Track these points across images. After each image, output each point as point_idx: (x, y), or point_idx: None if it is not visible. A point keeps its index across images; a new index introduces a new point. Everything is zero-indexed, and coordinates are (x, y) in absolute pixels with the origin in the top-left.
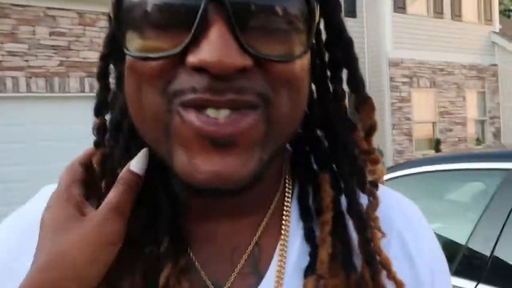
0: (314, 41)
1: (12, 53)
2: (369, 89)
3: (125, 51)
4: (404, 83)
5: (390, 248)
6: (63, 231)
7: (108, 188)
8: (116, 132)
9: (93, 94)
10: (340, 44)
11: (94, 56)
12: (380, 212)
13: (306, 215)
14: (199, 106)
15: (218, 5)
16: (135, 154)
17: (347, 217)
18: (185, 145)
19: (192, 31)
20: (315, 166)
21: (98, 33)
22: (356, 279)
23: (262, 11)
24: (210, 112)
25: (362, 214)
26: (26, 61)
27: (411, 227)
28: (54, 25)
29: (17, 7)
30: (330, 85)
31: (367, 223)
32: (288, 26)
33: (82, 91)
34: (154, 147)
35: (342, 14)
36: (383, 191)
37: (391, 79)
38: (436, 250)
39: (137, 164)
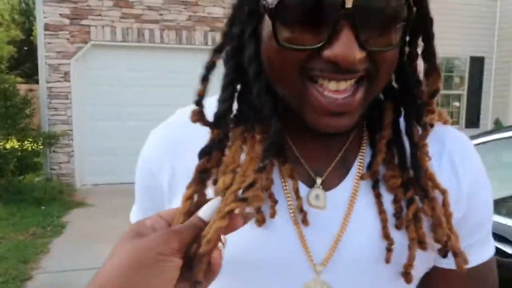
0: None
1: (150, 8)
2: (496, 55)
3: (275, 40)
4: None
5: (441, 164)
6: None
7: (220, 140)
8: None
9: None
10: (423, 22)
11: (218, 12)
12: (435, 136)
13: (372, 134)
14: (325, 78)
15: (347, 21)
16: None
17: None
18: (313, 110)
19: (329, 32)
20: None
21: None
22: (408, 178)
23: (376, 20)
24: (333, 85)
25: (414, 136)
26: (161, 15)
27: (460, 151)
28: None
29: None
30: (407, 48)
31: (418, 144)
32: (391, 28)
33: (206, 44)
34: (286, 99)
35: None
36: (442, 127)
37: None
38: (479, 171)
39: (205, 212)
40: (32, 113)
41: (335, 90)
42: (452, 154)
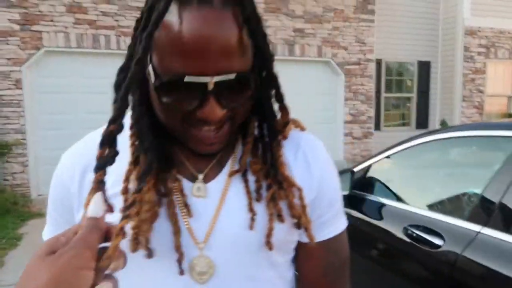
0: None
1: (105, 14)
2: (441, 59)
3: (161, 100)
4: (479, 53)
5: (297, 159)
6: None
7: (112, 156)
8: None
9: None
10: (270, 79)
11: None
12: (292, 141)
13: (244, 143)
14: (198, 125)
15: (213, 95)
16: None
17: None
18: (195, 143)
19: (199, 101)
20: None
21: None
22: (267, 168)
23: (232, 92)
24: (206, 128)
25: (272, 147)
26: (117, 21)
27: (311, 149)
28: None
29: None
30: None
31: (273, 146)
32: (242, 91)
33: None
34: (173, 134)
35: (274, 67)
36: (299, 133)
37: (466, 48)
38: (326, 164)
39: (93, 210)
40: None
41: (207, 132)
42: (305, 152)
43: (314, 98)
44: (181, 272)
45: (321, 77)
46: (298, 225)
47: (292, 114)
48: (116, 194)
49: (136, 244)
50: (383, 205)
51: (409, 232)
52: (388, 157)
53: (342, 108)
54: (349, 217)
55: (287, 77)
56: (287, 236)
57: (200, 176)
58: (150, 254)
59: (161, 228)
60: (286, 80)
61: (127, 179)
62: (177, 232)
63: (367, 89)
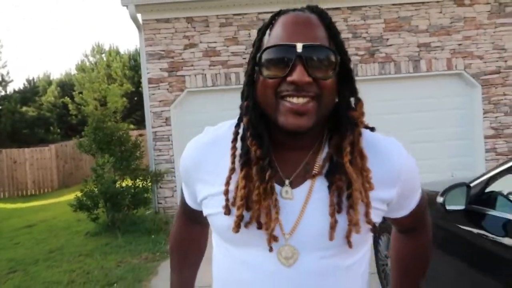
0: (337, 70)
1: (234, 54)
2: None
3: (261, 76)
4: None
5: (375, 164)
6: None
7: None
8: (254, 106)
9: None
10: (348, 78)
11: None
12: (373, 142)
13: (331, 150)
14: (290, 96)
15: (300, 61)
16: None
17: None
18: (283, 114)
19: (289, 68)
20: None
21: None
22: (348, 181)
23: (317, 61)
24: (295, 99)
25: (355, 145)
26: (245, 59)
27: (392, 158)
28: None
29: (237, 16)
30: (342, 92)
31: (355, 135)
32: (327, 65)
33: None
34: (267, 113)
35: (351, 63)
36: (379, 136)
37: None
38: (409, 169)
39: None
40: (142, 155)
41: (296, 103)
42: (381, 151)
43: (445, 113)
44: (270, 249)
45: (453, 91)
46: (373, 230)
47: (422, 132)
48: (219, 193)
49: (238, 227)
50: (509, 221)
51: None
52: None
53: (481, 122)
54: (467, 233)
55: (413, 94)
56: (362, 236)
57: (287, 181)
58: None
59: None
60: (412, 98)
61: (228, 183)
62: (269, 222)
63: (511, 99)
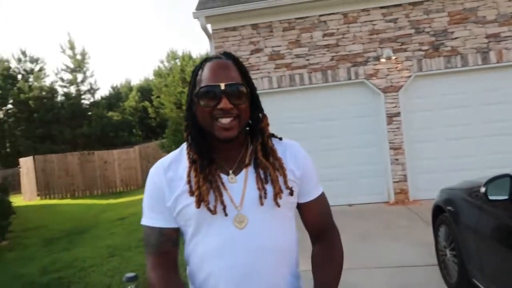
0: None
1: (298, 56)
2: None
3: (199, 105)
4: None
5: (286, 155)
6: None
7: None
8: (194, 127)
9: (358, 80)
10: (256, 101)
11: (357, 48)
12: (284, 143)
13: (252, 148)
14: (220, 117)
15: (224, 94)
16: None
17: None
18: (217, 130)
19: (218, 100)
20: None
21: (360, 28)
22: (271, 163)
23: (235, 93)
24: (223, 120)
25: (266, 144)
26: (307, 60)
27: (295, 150)
28: (325, 28)
29: (299, 20)
30: (253, 111)
31: (270, 147)
32: (241, 95)
33: (349, 78)
34: (206, 129)
35: (257, 92)
36: (286, 141)
37: None
38: (305, 157)
39: None
40: None
41: (224, 122)
42: (290, 150)
43: None
44: (226, 215)
45: None
46: (291, 193)
47: (495, 125)
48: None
49: (199, 203)
50: None
51: None
52: None
53: None
54: None
55: (483, 87)
56: (286, 199)
57: (230, 171)
58: (212, 211)
59: (212, 199)
60: (481, 90)
61: (188, 176)
62: (220, 196)
63: None
